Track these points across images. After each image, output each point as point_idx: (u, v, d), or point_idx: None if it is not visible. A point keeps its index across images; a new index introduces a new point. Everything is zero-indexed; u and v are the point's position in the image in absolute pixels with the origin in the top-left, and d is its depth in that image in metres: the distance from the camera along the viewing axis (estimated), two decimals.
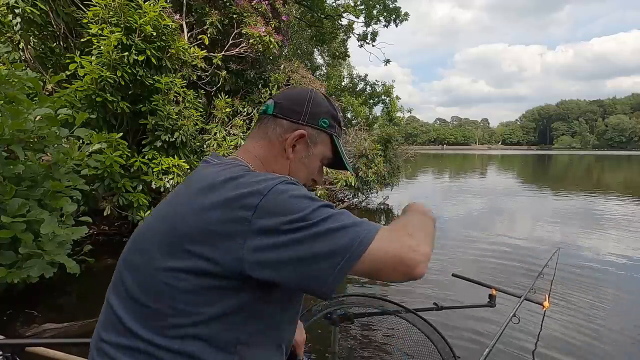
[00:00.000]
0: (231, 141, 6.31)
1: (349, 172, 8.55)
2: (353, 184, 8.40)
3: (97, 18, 4.66)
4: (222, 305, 0.60)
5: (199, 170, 0.74)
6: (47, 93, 4.81)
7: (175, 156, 5.11)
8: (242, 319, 0.62)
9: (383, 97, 15.93)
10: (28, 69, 2.84)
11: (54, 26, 5.12)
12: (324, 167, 0.89)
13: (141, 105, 4.96)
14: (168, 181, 4.93)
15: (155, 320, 0.61)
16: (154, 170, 4.90)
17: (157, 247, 0.63)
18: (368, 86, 16.15)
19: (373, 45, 14.53)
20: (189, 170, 5.05)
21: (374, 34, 14.30)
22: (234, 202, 0.59)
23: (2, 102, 2.60)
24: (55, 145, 2.93)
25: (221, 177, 0.64)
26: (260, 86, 7.68)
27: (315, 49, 16.50)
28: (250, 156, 0.80)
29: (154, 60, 4.82)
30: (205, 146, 6.18)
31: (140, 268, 0.64)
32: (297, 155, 0.82)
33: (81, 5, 5.09)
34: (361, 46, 14.55)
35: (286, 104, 0.82)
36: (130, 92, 4.81)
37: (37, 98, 2.92)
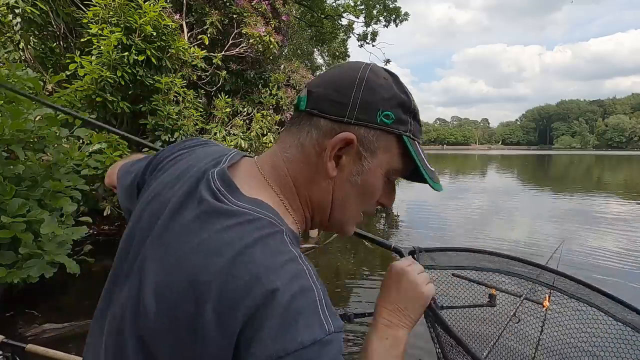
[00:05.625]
0: (231, 141, 6.30)
1: None
2: None
3: (97, 18, 4.66)
4: None
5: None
6: (47, 93, 4.81)
7: None
8: None
9: None
10: (28, 68, 2.84)
11: (54, 26, 5.12)
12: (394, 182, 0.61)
13: (141, 105, 4.96)
14: None
15: None
16: None
17: None
18: None
19: (373, 45, 14.56)
20: None
21: (374, 34, 14.32)
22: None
23: (2, 102, 2.60)
24: (56, 146, 2.94)
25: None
26: (260, 86, 7.67)
27: (315, 49, 16.50)
28: (279, 177, 0.55)
29: (154, 60, 4.82)
30: None
31: None
32: (344, 173, 0.55)
33: (81, 5, 5.09)
34: (361, 46, 14.58)
35: (324, 92, 0.53)
36: (130, 92, 4.81)
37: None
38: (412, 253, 0.95)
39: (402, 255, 0.87)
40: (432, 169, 0.59)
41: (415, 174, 0.59)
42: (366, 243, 5.67)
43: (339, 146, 0.52)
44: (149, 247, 0.50)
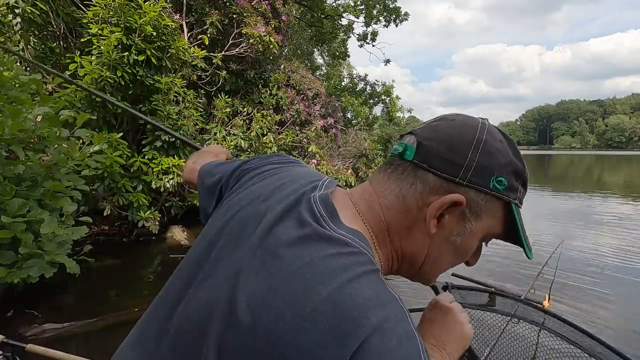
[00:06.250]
0: (231, 141, 6.31)
1: (349, 172, 8.52)
2: (353, 184, 8.41)
3: (97, 18, 4.67)
4: None
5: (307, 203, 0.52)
6: (47, 93, 4.81)
7: (175, 156, 5.12)
8: None
9: (383, 97, 15.93)
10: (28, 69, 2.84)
11: (54, 26, 5.13)
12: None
13: (141, 105, 4.97)
14: (168, 181, 4.94)
15: None
16: (154, 170, 4.91)
17: None
18: (368, 86, 16.14)
19: (373, 45, 14.52)
20: None
21: (374, 34, 14.29)
22: None
23: (2, 102, 2.60)
24: (56, 146, 2.94)
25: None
26: (260, 86, 7.68)
27: (315, 49, 16.50)
28: (374, 220, 0.54)
29: (154, 60, 4.82)
30: (205, 146, 6.19)
31: None
32: (444, 232, 0.54)
33: (81, 5, 5.10)
34: (361, 46, 14.54)
35: (437, 147, 0.52)
36: (130, 92, 4.81)
37: (37, 98, 2.92)
38: (445, 288, 0.97)
39: (437, 291, 0.85)
40: (527, 235, 0.59)
41: (508, 236, 0.58)
42: None
43: (446, 206, 0.51)
44: (245, 258, 0.48)
